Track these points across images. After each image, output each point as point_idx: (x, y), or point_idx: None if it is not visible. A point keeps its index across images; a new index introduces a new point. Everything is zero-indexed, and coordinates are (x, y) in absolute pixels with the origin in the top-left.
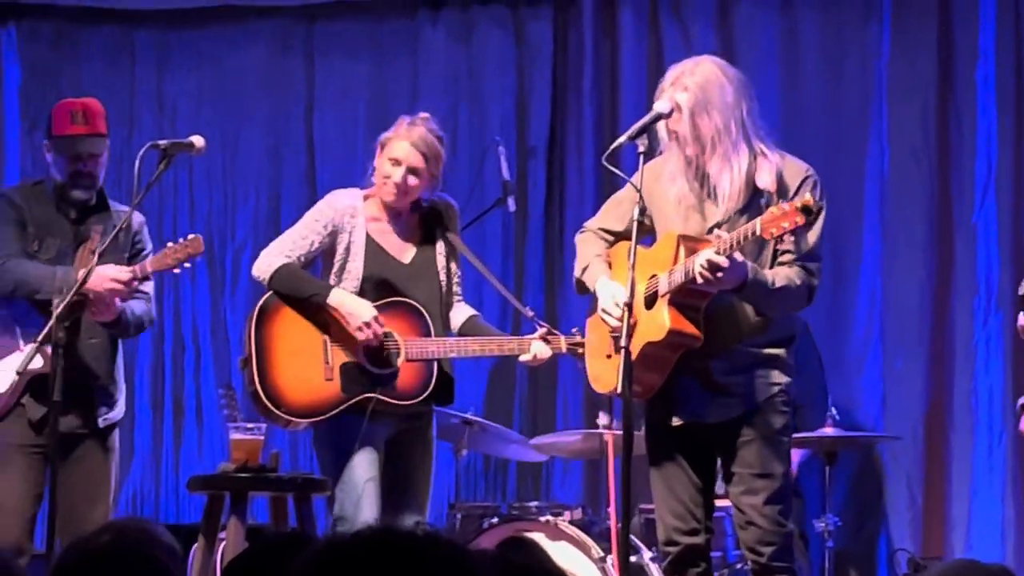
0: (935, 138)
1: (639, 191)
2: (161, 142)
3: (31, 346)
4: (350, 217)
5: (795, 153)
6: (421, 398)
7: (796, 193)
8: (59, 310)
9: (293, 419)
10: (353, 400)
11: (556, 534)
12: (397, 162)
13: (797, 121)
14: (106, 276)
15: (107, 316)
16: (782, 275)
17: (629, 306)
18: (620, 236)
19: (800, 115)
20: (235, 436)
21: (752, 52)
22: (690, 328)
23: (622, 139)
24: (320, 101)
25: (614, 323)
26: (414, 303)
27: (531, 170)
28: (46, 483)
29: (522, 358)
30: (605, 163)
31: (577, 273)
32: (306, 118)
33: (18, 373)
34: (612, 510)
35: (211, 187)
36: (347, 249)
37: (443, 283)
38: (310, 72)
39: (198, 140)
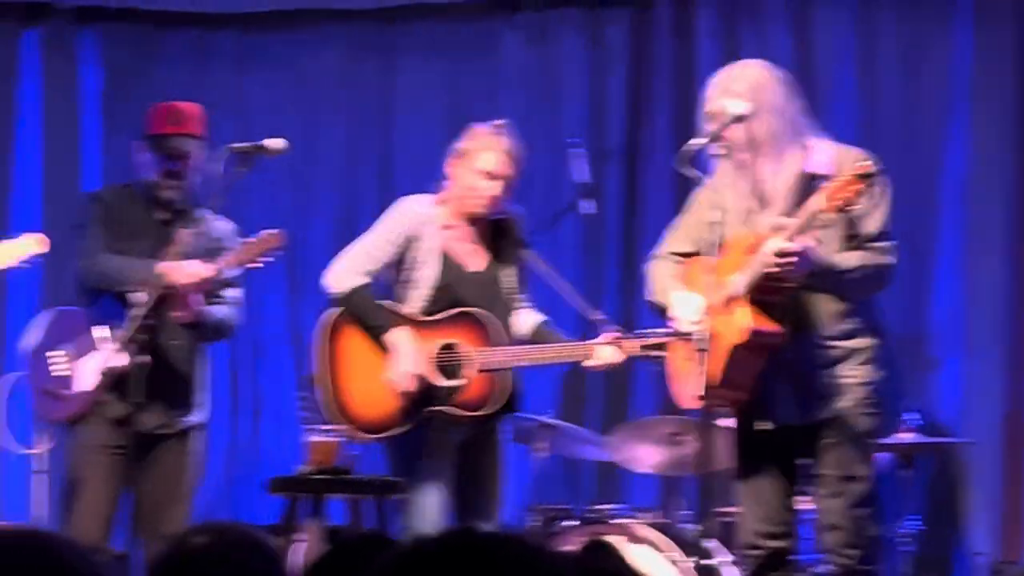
0: (1014, 139)
1: (717, 192)
2: (240, 145)
3: (113, 345)
4: (422, 225)
5: (872, 154)
6: (489, 410)
7: None
8: (141, 310)
9: (363, 435)
10: (422, 415)
11: (633, 537)
12: (491, 175)
13: (875, 123)
14: (189, 271)
15: (187, 316)
16: (854, 257)
17: (708, 309)
18: (689, 257)
19: (878, 117)
20: (313, 438)
21: (829, 54)
22: (771, 326)
23: (698, 142)
24: (397, 104)
25: (687, 327)
26: (482, 313)
27: (607, 173)
28: (126, 484)
29: (588, 363)
30: (678, 166)
31: (651, 296)
32: (383, 121)
33: (102, 374)
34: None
35: (289, 190)
36: (419, 258)
37: (510, 291)
38: (387, 75)
39: (277, 143)
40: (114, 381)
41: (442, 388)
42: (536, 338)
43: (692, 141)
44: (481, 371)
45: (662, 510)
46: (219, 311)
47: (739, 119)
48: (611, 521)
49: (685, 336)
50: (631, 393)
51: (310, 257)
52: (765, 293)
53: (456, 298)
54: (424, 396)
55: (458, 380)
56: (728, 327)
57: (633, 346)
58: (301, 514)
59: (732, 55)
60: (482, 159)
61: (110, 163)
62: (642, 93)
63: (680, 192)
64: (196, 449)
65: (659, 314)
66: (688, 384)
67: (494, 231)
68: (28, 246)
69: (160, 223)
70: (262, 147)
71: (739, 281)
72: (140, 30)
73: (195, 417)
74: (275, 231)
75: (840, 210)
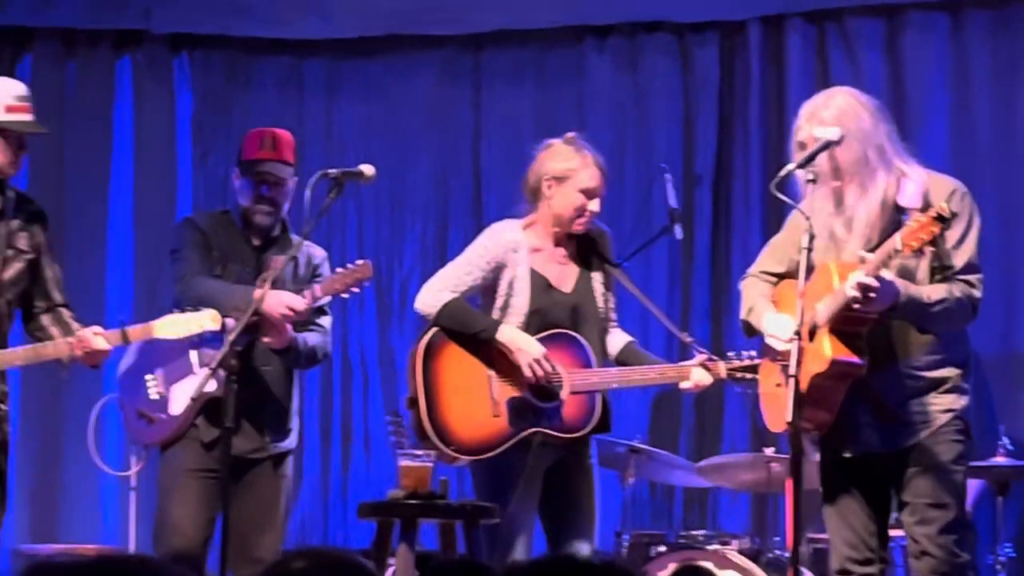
0: None
1: (808, 218)
2: (332, 170)
3: (205, 370)
4: (512, 252)
5: (965, 180)
6: (586, 430)
7: None
8: (233, 335)
9: (462, 456)
10: (521, 436)
11: (724, 563)
12: (593, 193)
13: (967, 148)
14: (281, 302)
15: (279, 342)
16: (939, 290)
17: (799, 334)
18: (782, 277)
19: (970, 141)
20: (404, 463)
21: (921, 78)
22: (852, 356)
23: (791, 167)
24: (486, 129)
25: (781, 346)
26: (575, 335)
27: (697, 198)
28: (219, 508)
29: (682, 385)
30: (774, 191)
31: (743, 315)
32: (472, 146)
33: (192, 399)
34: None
35: (379, 215)
36: (511, 284)
37: (601, 310)
38: (476, 100)
39: (368, 169)
40: (206, 406)
41: (541, 409)
42: (625, 359)
43: (786, 168)
44: (574, 392)
45: (752, 536)
46: (311, 338)
47: (830, 145)
48: (701, 547)
49: (775, 359)
50: (724, 418)
51: (400, 282)
52: (847, 324)
53: (549, 321)
54: (523, 416)
55: (554, 402)
56: (811, 354)
57: (722, 369)
58: (392, 539)
59: (822, 78)
60: (582, 178)
61: (201, 188)
62: (732, 117)
63: (769, 216)
64: (288, 474)
65: (747, 333)
66: (777, 408)
67: (581, 249)
68: (203, 321)
69: (254, 249)
70: (353, 173)
71: (822, 311)
72: (232, 56)
73: (287, 442)
74: (365, 261)
75: (917, 251)
